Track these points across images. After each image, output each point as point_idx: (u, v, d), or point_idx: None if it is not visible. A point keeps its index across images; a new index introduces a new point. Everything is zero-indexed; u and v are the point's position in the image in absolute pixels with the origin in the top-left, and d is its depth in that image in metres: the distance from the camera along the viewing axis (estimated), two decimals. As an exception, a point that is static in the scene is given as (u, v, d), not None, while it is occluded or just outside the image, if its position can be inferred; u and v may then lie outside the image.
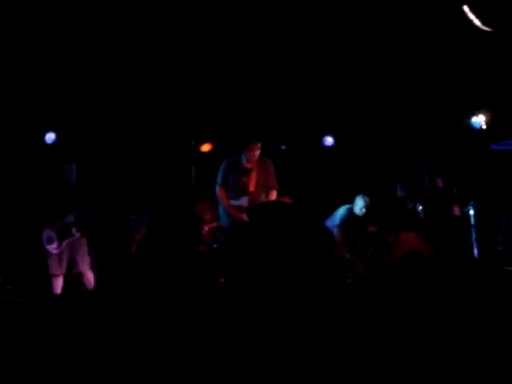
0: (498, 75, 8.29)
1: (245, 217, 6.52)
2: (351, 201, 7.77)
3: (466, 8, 6.42)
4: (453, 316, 4.62)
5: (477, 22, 6.41)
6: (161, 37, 7.93)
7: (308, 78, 8.72)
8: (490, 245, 8.63)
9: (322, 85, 8.84)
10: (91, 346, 4.03)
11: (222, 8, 7.51)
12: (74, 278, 6.90)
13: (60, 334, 4.28)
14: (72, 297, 6.76)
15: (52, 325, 4.57)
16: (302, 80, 8.74)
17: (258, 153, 6.70)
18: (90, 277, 6.86)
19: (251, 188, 6.70)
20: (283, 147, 8.87)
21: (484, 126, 9.02)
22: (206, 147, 8.99)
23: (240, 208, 6.67)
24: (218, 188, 6.85)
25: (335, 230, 7.64)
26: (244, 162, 6.76)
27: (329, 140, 9.39)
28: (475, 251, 8.56)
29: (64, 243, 6.72)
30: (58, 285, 6.77)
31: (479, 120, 9.03)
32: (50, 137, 8.49)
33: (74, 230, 6.73)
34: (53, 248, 6.72)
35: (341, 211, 7.76)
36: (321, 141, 9.41)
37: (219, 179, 6.85)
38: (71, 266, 6.82)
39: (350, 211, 7.72)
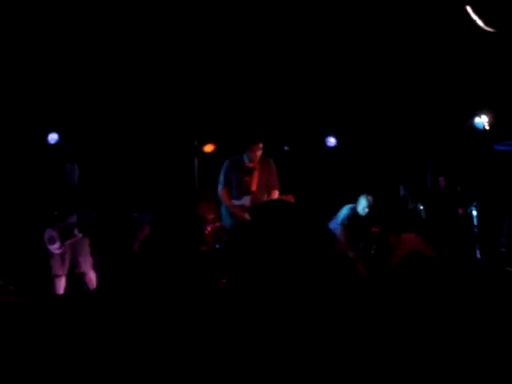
0: (500, 76, 8.28)
1: (247, 216, 6.53)
2: (354, 201, 7.78)
3: (468, 8, 6.41)
4: (454, 317, 4.61)
5: (480, 22, 6.40)
6: (164, 38, 7.95)
7: (310, 78, 8.72)
8: (493, 246, 8.62)
9: (325, 86, 8.84)
10: (94, 346, 4.04)
11: (225, 8, 7.52)
12: (76, 278, 6.91)
13: (63, 335, 4.28)
14: (74, 297, 6.76)
15: (55, 325, 4.57)
16: (304, 81, 8.74)
17: (260, 153, 6.73)
18: (92, 277, 6.87)
19: (253, 188, 6.71)
20: (286, 148, 8.89)
21: (487, 127, 9.01)
22: (208, 148, 9.02)
23: (242, 207, 6.68)
24: (220, 188, 6.86)
25: (338, 230, 7.66)
26: (246, 161, 6.78)
27: (331, 140, 9.39)
28: (477, 252, 8.55)
29: (66, 243, 6.74)
30: (61, 285, 6.78)
31: (482, 120, 9.02)
32: (53, 137, 8.51)
33: (76, 231, 6.74)
34: (55, 248, 6.73)
35: (344, 211, 7.78)
36: (323, 141, 9.41)
37: (221, 179, 6.86)
38: (73, 266, 6.83)
39: (353, 211, 7.73)
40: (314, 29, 7.85)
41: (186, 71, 8.53)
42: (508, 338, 4.06)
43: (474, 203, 8.71)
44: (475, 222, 8.69)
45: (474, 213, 8.71)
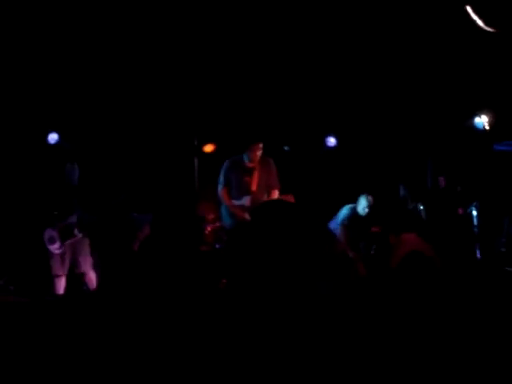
0: (500, 76, 8.28)
1: (247, 216, 6.53)
2: (354, 201, 7.78)
3: (468, 8, 6.41)
4: (454, 317, 4.61)
5: (480, 22, 6.40)
6: (165, 38, 7.95)
7: (310, 78, 8.72)
8: (493, 246, 8.62)
9: (325, 86, 8.84)
10: (94, 346, 4.04)
11: (225, 8, 7.52)
12: (76, 278, 6.91)
13: (63, 335, 4.28)
14: (74, 297, 6.76)
15: (55, 325, 4.57)
16: (304, 81, 8.74)
17: (260, 153, 6.73)
18: (92, 277, 6.87)
19: (253, 187, 6.72)
20: (286, 148, 8.89)
21: (487, 127, 9.01)
22: (208, 148, 9.02)
23: (242, 207, 6.68)
24: (220, 188, 6.86)
25: (338, 230, 7.66)
26: (246, 161, 6.78)
27: (331, 140, 9.39)
28: (478, 252, 8.55)
29: (66, 243, 6.74)
30: (61, 285, 6.78)
31: (482, 120, 9.02)
32: (53, 137, 8.51)
33: (76, 231, 6.74)
34: (55, 248, 6.73)
35: (344, 211, 7.78)
36: (323, 141, 9.41)
37: (221, 179, 6.86)
38: (73, 266, 6.83)
39: (353, 211, 7.73)
40: (313, 29, 7.85)
41: (186, 71, 8.53)
42: (508, 337, 4.06)
43: (474, 203, 8.71)
44: (475, 221, 8.70)
45: (474, 213, 8.71)
